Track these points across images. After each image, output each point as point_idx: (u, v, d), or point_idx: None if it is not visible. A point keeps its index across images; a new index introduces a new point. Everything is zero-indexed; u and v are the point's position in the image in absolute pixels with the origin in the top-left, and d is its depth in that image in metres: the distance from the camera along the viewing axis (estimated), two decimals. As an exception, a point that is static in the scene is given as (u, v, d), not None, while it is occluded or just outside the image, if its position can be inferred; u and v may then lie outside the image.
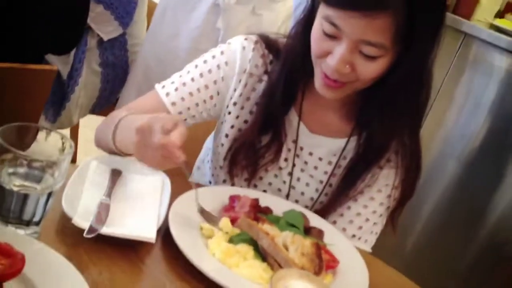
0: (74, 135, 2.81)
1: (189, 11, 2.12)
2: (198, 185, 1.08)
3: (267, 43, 1.24)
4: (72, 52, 2.01)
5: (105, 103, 2.31)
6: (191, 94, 1.22)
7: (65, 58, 2.03)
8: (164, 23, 2.16)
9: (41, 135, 0.87)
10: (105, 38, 2.10)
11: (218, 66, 1.24)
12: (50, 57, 2.05)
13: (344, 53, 1.04)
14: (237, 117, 1.25)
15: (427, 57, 1.10)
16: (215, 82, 1.24)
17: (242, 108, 1.24)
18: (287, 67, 1.19)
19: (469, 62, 2.29)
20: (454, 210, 2.35)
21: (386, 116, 1.15)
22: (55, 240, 0.88)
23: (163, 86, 1.24)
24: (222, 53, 1.25)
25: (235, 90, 1.24)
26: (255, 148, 1.22)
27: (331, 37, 1.06)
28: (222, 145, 1.27)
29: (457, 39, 2.30)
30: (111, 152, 1.13)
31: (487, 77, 2.25)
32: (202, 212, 1.01)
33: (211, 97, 1.24)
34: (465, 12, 2.42)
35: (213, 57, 1.25)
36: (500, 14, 2.63)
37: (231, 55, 1.24)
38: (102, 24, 2.07)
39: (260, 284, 0.91)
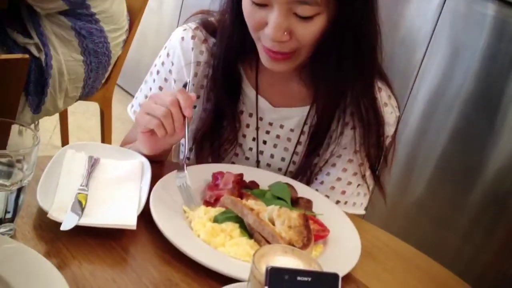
0: (64, 122, 2.79)
1: None
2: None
3: (207, 26, 1.20)
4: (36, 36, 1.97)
5: (90, 91, 2.28)
6: None
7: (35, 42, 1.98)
8: None
9: (15, 129, 0.85)
10: (43, 13, 1.98)
11: (170, 71, 1.22)
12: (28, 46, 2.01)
13: (278, 18, 1.00)
14: (194, 107, 1.21)
15: (364, 7, 1.06)
16: (173, 88, 1.21)
17: (198, 97, 1.20)
18: (224, 45, 1.15)
19: (459, 12, 2.23)
20: (452, 163, 2.32)
21: (331, 75, 1.11)
22: (32, 235, 0.85)
23: (132, 106, 1.28)
24: (168, 55, 1.22)
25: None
26: (218, 135, 1.20)
27: (262, 6, 1.01)
28: None
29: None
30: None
31: (478, 27, 2.19)
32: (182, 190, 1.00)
33: None
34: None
35: (163, 63, 1.23)
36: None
37: (174, 53, 1.21)
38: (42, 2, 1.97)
39: (248, 261, 0.88)
